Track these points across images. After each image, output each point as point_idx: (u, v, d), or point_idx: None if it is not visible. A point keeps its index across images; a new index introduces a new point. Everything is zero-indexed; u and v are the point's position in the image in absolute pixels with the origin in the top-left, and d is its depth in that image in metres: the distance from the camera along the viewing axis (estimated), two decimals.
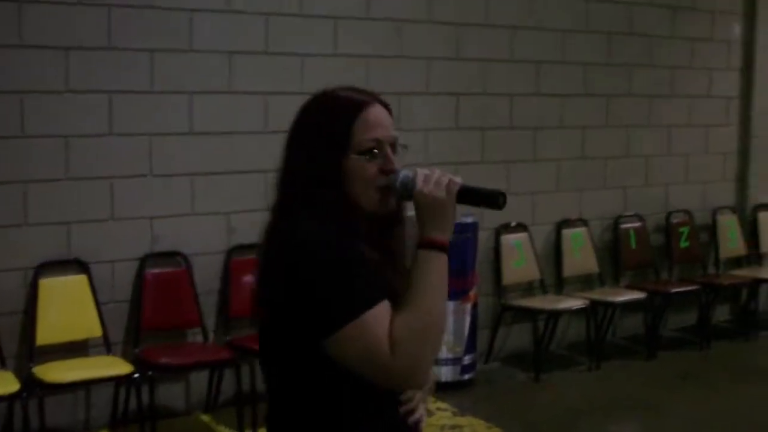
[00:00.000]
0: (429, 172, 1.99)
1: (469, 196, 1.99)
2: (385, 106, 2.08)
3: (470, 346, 6.63)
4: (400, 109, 6.57)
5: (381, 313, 1.87)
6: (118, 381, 5.39)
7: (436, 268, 1.94)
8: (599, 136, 7.70)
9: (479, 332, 6.80)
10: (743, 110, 8.56)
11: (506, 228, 7.22)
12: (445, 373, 6.54)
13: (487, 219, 7.01)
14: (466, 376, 6.64)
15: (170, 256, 5.80)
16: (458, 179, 2.00)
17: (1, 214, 5.31)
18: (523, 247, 7.28)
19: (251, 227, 5.97)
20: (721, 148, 8.50)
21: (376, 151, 2.01)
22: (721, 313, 8.56)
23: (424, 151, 6.73)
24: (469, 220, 6.62)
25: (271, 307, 2.00)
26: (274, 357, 2.05)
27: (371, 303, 1.87)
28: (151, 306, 5.66)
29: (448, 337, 6.48)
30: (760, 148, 8.61)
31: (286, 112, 6.05)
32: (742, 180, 8.64)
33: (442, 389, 6.46)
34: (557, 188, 7.51)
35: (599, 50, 7.63)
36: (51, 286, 5.40)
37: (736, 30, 8.47)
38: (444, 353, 6.50)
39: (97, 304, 5.51)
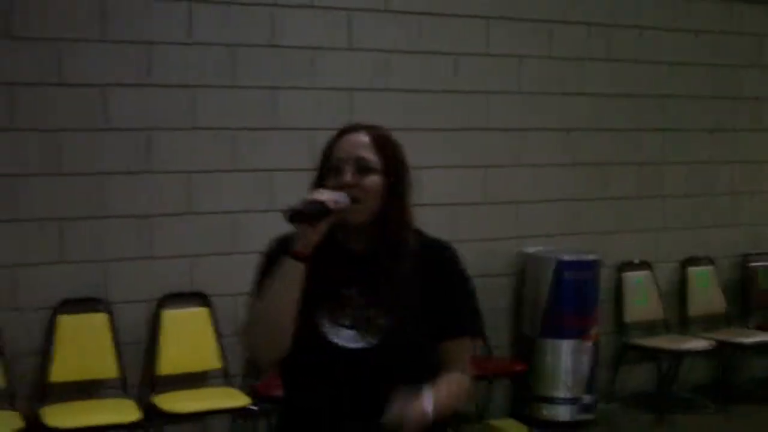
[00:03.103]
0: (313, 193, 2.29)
1: (299, 215, 2.24)
2: (370, 133, 2.36)
3: (590, 386, 6.49)
4: (518, 144, 6.60)
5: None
6: (235, 413, 5.47)
7: (285, 270, 2.24)
8: (726, 171, 7.50)
9: (599, 371, 6.67)
10: None
11: (629, 265, 7.07)
12: (564, 413, 6.42)
13: (609, 256, 6.89)
14: (586, 417, 6.49)
15: None
16: (315, 196, 2.24)
17: (128, 247, 5.49)
18: (646, 284, 7.11)
19: None
20: None
21: (338, 167, 2.31)
22: None
23: (544, 185, 6.68)
24: (591, 257, 6.52)
25: None
26: None
27: (255, 294, 2.33)
28: None
29: (566, 376, 6.38)
30: None
31: None
32: None
33: (561, 429, 6.37)
34: (682, 225, 7.33)
35: (727, 83, 7.44)
36: (174, 318, 5.55)
37: None
38: (562, 392, 6.39)
39: (218, 336, 5.63)
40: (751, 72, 7.54)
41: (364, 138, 2.35)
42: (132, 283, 5.51)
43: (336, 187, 2.28)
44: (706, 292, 7.34)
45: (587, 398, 6.48)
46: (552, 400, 6.42)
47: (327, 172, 2.33)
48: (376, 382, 2.27)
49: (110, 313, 5.40)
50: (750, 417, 6.87)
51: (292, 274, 2.23)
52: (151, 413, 5.20)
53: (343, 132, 2.38)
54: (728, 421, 6.76)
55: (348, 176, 2.29)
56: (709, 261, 7.41)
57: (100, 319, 5.37)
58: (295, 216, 2.21)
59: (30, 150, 5.28)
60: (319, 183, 2.33)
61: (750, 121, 7.58)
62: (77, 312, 5.34)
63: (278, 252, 2.31)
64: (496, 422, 6.39)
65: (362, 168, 2.31)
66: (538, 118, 6.68)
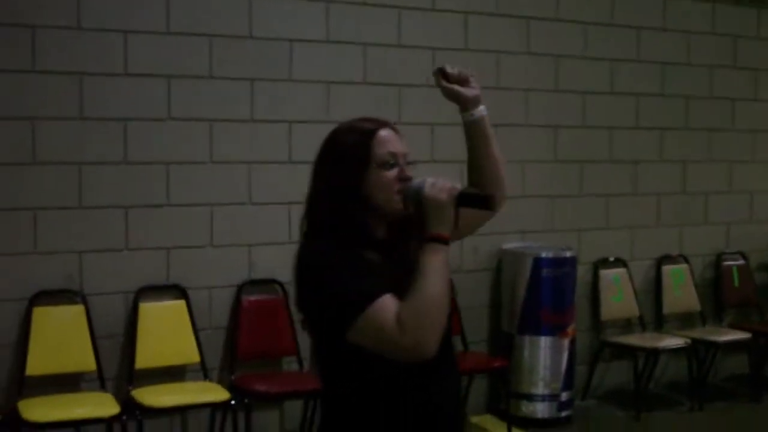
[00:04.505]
0: (434, 180, 2.36)
1: (466, 199, 2.37)
2: (394, 129, 2.48)
3: (567, 383, 6.47)
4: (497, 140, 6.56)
5: (384, 302, 2.23)
6: (214, 407, 5.39)
7: (438, 256, 2.29)
8: (701, 170, 7.53)
9: (576, 368, 6.65)
10: None
11: (604, 263, 7.08)
12: (542, 410, 6.40)
13: (586, 253, 6.89)
14: (563, 414, 6.47)
15: (267, 283, 5.81)
16: (458, 185, 2.36)
17: (103, 239, 5.39)
18: (622, 282, 7.12)
19: None
20: None
21: (392, 162, 2.41)
22: None
23: (522, 183, 6.66)
24: (568, 254, 6.50)
25: (308, 319, 2.42)
26: (320, 357, 2.47)
27: (372, 297, 2.23)
28: (247, 333, 5.66)
29: (544, 372, 6.36)
30: None
31: None
32: None
33: (540, 426, 6.34)
34: (657, 223, 7.35)
35: (701, 83, 7.48)
36: (151, 311, 5.45)
37: None
38: (540, 389, 6.37)
39: (195, 329, 5.54)
40: (725, 72, 7.58)
41: (397, 136, 2.47)
42: (108, 275, 5.41)
43: (402, 179, 2.40)
44: (681, 290, 7.36)
45: (565, 395, 6.46)
46: (530, 397, 6.40)
47: (379, 166, 2.39)
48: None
49: (86, 305, 5.29)
50: (723, 414, 6.91)
51: (445, 257, 2.31)
52: (130, 407, 5.10)
53: (377, 127, 2.45)
54: (703, 418, 6.77)
55: (409, 172, 2.43)
56: (684, 259, 7.43)
57: (75, 311, 5.26)
58: (462, 199, 2.35)
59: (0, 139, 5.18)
60: (360, 177, 2.39)
61: (724, 121, 7.62)
62: (52, 304, 5.24)
63: (354, 252, 2.36)
64: (474, 418, 6.35)
65: (408, 164, 2.46)
66: (519, 114, 6.67)
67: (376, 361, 2.27)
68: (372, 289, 2.26)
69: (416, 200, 2.38)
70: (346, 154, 2.42)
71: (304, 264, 2.39)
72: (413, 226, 2.44)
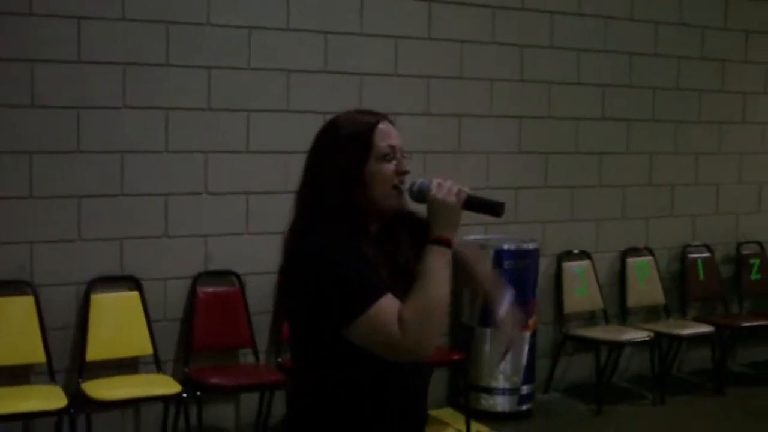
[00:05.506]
0: (442, 180, 2.37)
1: (474, 204, 2.38)
2: (391, 121, 2.47)
3: (528, 376, 6.43)
4: (460, 131, 6.52)
5: (386, 302, 2.24)
6: (166, 400, 5.31)
7: (441, 258, 2.31)
8: (667, 162, 7.49)
9: (538, 362, 6.62)
10: None
11: (568, 255, 7.04)
12: (502, 404, 6.36)
13: (550, 245, 6.85)
14: (524, 407, 6.44)
15: (223, 275, 5.73)
16: (466, 189, 2.37)
17: (55, 229, 5.30)
18: (586, 275, 7.08)
19: None
20: None
21: (391, 155, 2.40)
22: None
23: (486, 174, 6.60)
24: (531, 246, 6.46)
25: (299, 309, 2.38)
26: (301, 348, 2.44)
27: (376, 296, 2.24)
28: (202, 325, 5.59)
29: (504, 365, 6.32)
30: None
31: None
32: None
33: (499, 419, 6.30)
34: (622, 215, 7.31)
35: (668, 74, 7.43)
36: (103, 302, 5.37)
37: None
38: (500, 382, 6.34)
39: (149, 321, 5.46)
40: (692, 63, 7.53)
41: (394, 129, 2.46)
42: (60, 265, 5.32)
43: (400, 173, 2.40)
44: (646, 283, 7.33)
45: (525, 388, 6.42)
46: (490, 390, 6.36)
47: (379, 158, 2.38)
48: None
49: (36, 296, 5.20)
50: (686, 407, 6.89)
51: (448, 260, 2.32)
52: (79, 400, 5.02)
53: (378, 119, 2.44)
54: (666, 412, 6.76)
55: (406, 166, 2.43)
56: (649, 252, 7.40)
57: (25, 302, 5.18)
58: (470, 203, 2.36)
59: None
60: (360, 167, 2.36)
61: (690, 113, 7.58)
62: (2, 295, 5.15)
63: (355, 245, 2.33)
64: (433, 412, 6.29)
65: (404, 157, 2.45)
66: (483, 105, 6.61)
67: (364, 356, 2.27)
68: (375, 287, 2.26)
69: (420, 199, 2.38)
70: (350, 142, 2.38)
71: (305, 251, 2.33)
72: (405, 223, 2.47)
